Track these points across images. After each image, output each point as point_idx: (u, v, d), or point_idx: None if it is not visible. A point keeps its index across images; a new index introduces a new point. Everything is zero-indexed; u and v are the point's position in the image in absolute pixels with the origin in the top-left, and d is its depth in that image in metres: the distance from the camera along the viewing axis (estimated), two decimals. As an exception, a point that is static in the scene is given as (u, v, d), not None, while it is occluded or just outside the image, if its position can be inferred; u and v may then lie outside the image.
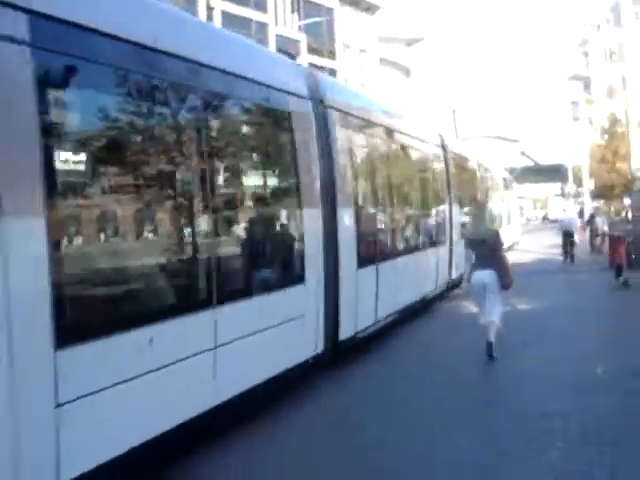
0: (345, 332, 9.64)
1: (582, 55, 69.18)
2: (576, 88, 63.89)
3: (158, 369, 5.72)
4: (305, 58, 44.63)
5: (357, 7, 54.55)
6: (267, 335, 7.47)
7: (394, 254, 12.28)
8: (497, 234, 10.64)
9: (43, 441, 4.62)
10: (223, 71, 7.14)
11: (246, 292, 7.34)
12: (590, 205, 40.47)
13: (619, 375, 8.77)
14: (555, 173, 68.84)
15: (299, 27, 45.31)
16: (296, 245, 8.64)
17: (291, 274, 8.54)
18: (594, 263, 23.26)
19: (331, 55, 49.82)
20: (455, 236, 16.58)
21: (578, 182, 54.26)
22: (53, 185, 4.93)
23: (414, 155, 14.69)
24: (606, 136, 47.46)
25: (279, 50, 40.88)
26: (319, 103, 9.39)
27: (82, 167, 5.75)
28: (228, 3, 38.87)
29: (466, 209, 17.48)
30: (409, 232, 14.04)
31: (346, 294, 9.60)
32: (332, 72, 48.50)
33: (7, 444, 4.32)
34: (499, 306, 10.02)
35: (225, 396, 6.67)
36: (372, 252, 10.95)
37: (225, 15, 38.40)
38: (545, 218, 73.75)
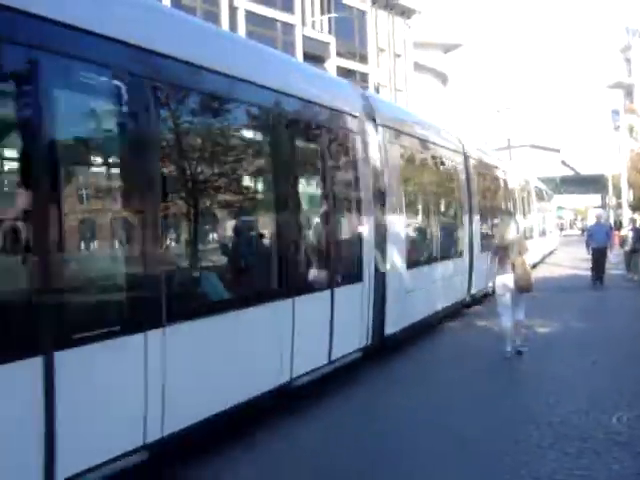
0: (474, 289, 16.10)
1: (624, 62, 67.08)
2: (617, 96, 61.84)
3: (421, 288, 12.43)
4: (334, 61, 43.48)
5: (391, 11, 53.16)
6: (453, 280, 14.74)
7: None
8: (521, 240, 11.72)
9: (405, 305, 11.42)
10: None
11: (447, 257, 14.52)
12: (629, 217, 38.56)
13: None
14: (595, 183, 66.94)
15: (329, 26, 43.95)
16: (461, 235, 15.79)
17: (458, 250, 15.54)
18: (631, 281, 21.58)
19: (362, 59, 48.46)
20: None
21: (618, 193, 52.32)
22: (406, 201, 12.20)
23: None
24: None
25: (305, 54, 39.88)
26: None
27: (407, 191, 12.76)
28: (253, 3, 37.56)
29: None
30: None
31: (475, 267, 16.06)
32: (363, 76, 47.34)
33: (395, 307, 10.96)
34: (523, 306, 11.19)
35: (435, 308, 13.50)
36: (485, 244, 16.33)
37: (249, 15, 37.19)
38: (583, 230, 71.61)
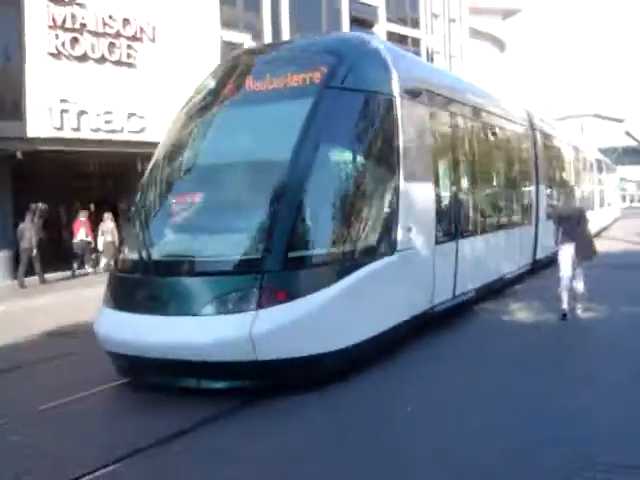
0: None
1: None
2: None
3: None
4: (383, 26, 41.82)
5: (446, -26, 50.96)
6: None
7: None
8: (582, 211, 12.75)
9: (544, 243, 16.92)
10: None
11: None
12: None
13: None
14: (659, 154, 64.20)
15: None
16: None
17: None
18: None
19: (414, 24, 46.55)
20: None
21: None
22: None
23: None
24: None
25: (353, 18, 38.34)
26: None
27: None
28: (294, -32, 35.76)
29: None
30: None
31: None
32: (415, 42, 45.60)
33: (541, 243, 17.79)
34: (582, 275, 12.23)
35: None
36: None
37: (291, -21, 35.46)
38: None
